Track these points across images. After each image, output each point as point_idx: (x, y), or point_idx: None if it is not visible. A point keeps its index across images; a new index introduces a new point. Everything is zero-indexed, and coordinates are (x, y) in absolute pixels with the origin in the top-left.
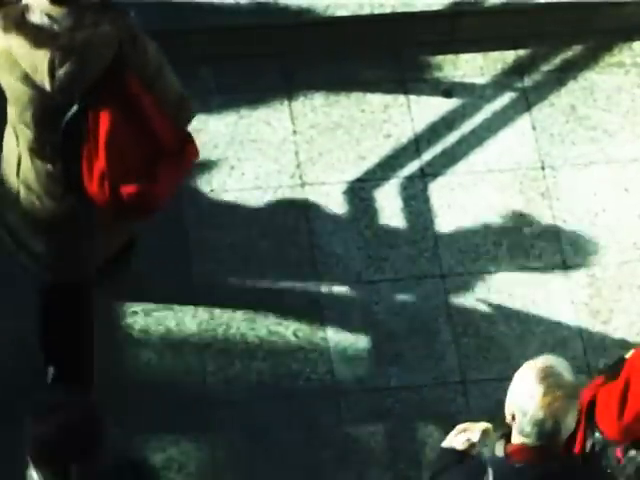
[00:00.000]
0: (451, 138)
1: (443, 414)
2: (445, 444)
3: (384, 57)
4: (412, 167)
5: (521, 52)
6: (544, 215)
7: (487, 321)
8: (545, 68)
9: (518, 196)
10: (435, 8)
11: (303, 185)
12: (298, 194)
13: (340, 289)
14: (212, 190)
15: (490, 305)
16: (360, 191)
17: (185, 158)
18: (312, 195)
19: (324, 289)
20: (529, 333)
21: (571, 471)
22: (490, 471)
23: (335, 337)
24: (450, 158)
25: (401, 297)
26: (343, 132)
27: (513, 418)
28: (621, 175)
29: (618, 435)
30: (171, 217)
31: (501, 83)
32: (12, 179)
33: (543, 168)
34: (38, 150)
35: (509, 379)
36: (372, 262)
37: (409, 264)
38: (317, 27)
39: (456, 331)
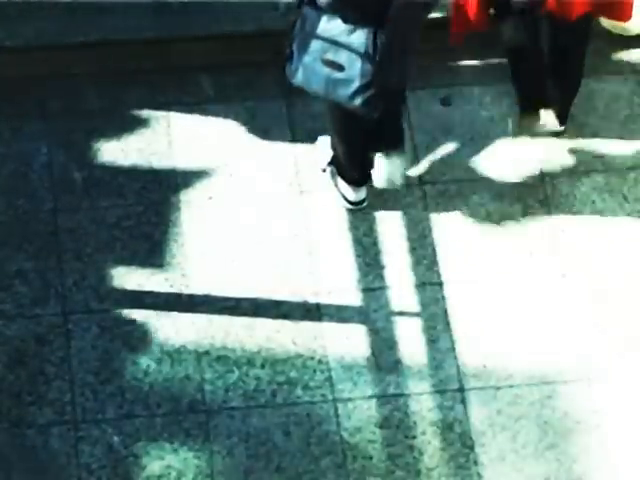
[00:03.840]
0: (449, 146)
1: (442, 422)
2: None
3: None
4: (411, 175)
5: None
6: (543, 223)
7: (486, 329)
8: None
9: (517, 204)
10: (433, 16)
11: (301, 193)
12: (296, 202)
13: (339, 296)
14: (210, 197)
15: (489, 312)
16: None
17: None
18: (310, 203)
19: (323, 296)
20: (528, 341)
21: None
22: None
23: (333, 345)
24: (449, 166)
25: (400, 305)
26: None
27: None
28: (619, 183)
29: None
30: (168, 224)
31: (499, 91)
32: None
33: (542, 176)
34: None
35: (508, 387)
36: (371, 269)
37: (408, 271)
38: None
39: (454, 339)
